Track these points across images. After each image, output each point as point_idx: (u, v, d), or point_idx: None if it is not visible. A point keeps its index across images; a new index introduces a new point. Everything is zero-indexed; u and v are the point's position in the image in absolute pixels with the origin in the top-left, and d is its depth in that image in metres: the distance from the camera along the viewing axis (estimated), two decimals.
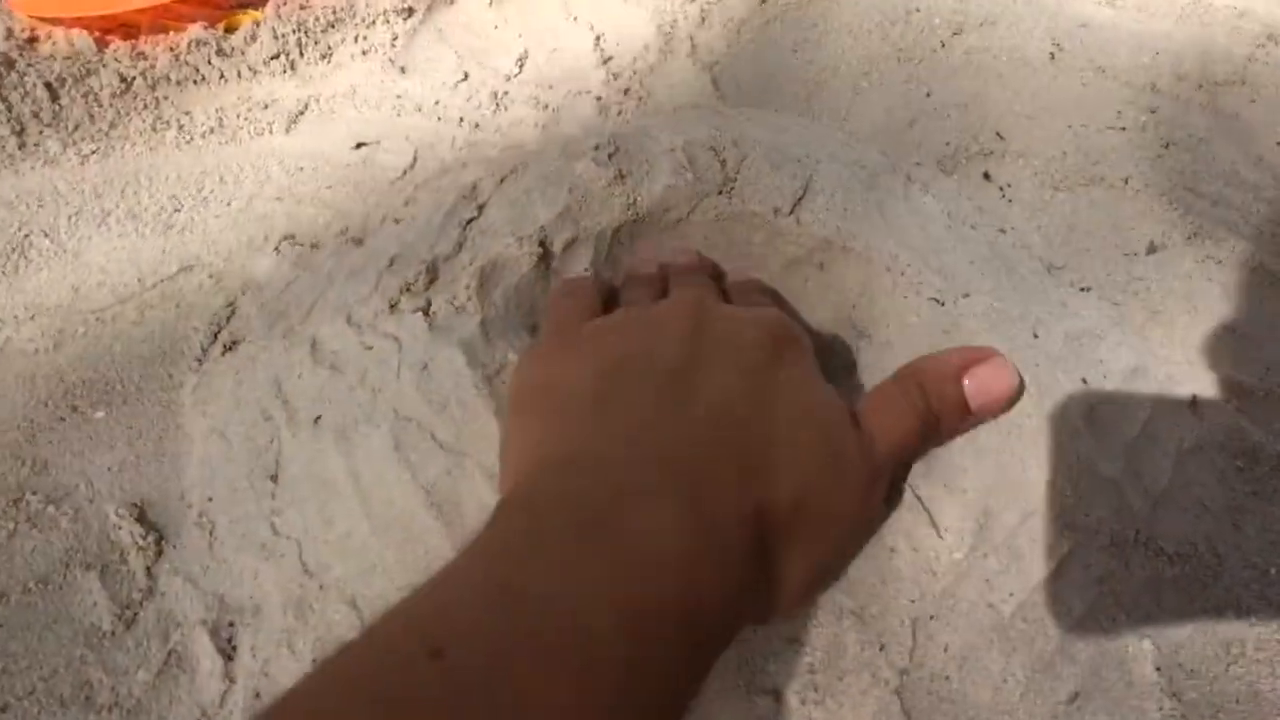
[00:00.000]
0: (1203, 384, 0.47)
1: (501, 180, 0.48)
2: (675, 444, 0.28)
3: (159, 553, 0.42)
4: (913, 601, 0.38)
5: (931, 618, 0.38)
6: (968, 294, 0.45)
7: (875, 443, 0.31)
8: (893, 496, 0.38)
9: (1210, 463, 0.45)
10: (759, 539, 0.27)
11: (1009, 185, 0.55)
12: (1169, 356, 0.48)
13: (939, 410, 0.32)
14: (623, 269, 0.42)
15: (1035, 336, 0.44)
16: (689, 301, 0.34)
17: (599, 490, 0.26)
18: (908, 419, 0.32)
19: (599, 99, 0.59)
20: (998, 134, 0.57)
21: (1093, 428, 0.43)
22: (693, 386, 0.30)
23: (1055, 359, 0.44)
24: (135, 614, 0.40)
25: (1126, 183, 0.55)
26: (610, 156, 0.47)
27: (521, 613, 0.22)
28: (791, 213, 0.47)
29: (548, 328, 0.37)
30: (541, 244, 0.44)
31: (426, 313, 0.43)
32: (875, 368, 0.43)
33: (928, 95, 0.59)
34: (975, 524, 0.39)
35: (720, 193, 0.47)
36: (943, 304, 0.44)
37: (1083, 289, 0.51)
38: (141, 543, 0.42)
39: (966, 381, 0.33)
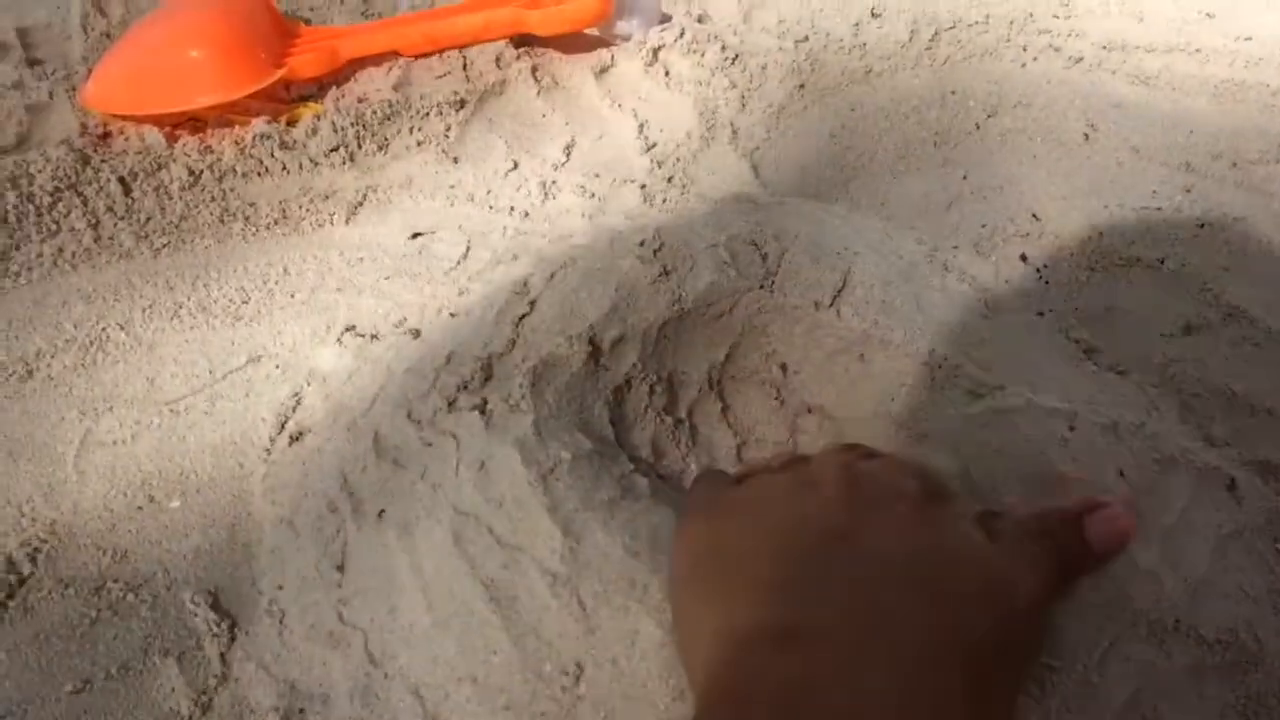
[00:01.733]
0: (1241, 468, 0.48)
1: (551, 276, 0.50)
2: (866, 612, 0.29)
3: (232, 639, 0.44)
4: None
5: None
6: (1003, 386, 0.46)
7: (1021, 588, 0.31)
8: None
9: (1250, 547, 0.46)
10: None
11: (1046, 266, 0.57)
12: (1207, 440, 0.49)
13: (1069, 558, 0.33)
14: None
15: (1071, 429, 0.45)
16: (837, 460, 0.35)
17: (822, 673, 0.27)
18: (1046, 567, 0.32)
19: (643, 186, 0.61)
20: (1034, 215, 0.59)
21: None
22: (860, 549, 0.31)
23: (1094, 451, 0.45)
24: (211, 700, 0.42)
25: (1163, 263, 0.56)
26: (655, 253, 0.49)
27: None
28: (831, 305, 0.48)
29: (694, 497, 0.38)
30: (591, 341, 0.47)
31: (483, 411, 0.45)
32: (911, 457, 0.44)
33: (964, 178, 0.61)
34: None
35: (762, 287, 0.49)
36: (980, 397, 0.45)
37: (1119, 371, 0.52)
38: (216, 629, 0.44)
39: (1089, 526, 0.34)
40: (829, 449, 0.38)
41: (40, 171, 0.59)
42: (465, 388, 0.46)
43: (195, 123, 0.66)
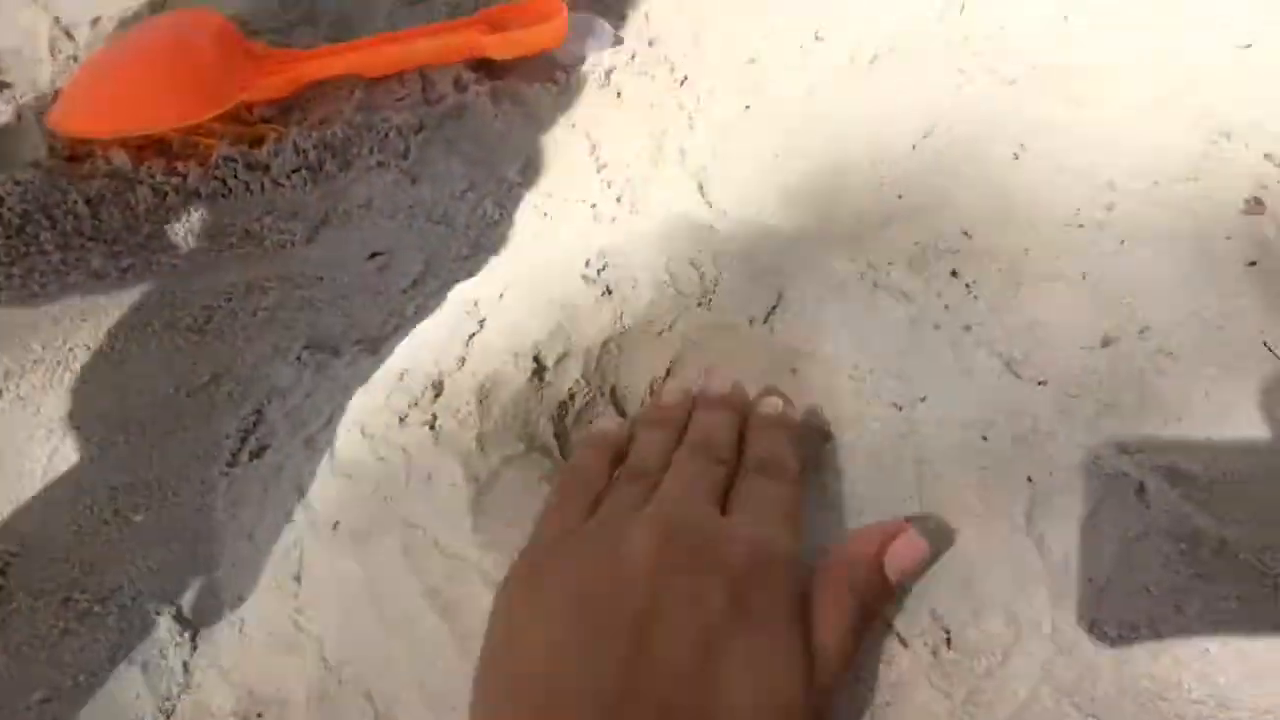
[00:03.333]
0: (1151, 473, 0.51)
1: (500, 295, 0.53)
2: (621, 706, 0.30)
3: (194, 648, 0.46)
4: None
5: (888, 704, 0.42)
6: (924, 398, 0.49)
7: (825, 662, 0.34)
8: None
9: (1156, 549, 0.49)
10: None
11: (975, 282, 0.59)
12: (1118, 447, 0.52)
13: (869, 600, 0.37)
14: (644, 410, 0.47)
15: (985, 439, 0.48)
16: (662, 526, 0.36)
17: None
18: (847, 624, 0.36)
19: (594, 206, 0.64)
20: (964, 233, 0.62)
21: (1036, 524, 0.47)
22: (649, 643, 0.32)
23: (1004, 459, 0.48)
24: (174, 706, 0.45)
25: (1084, 278, 0.59)
26: (599, 273, 0.52)
27: None
28: (765, 322, 0.51)
29: (538, 528, 0.40)
30: (536, 359, 0.49)
31: (432, 426, 0.48)
32: (837, 468, 0.47)
33: (899, 197, 0.64)
34: (927, 621, 0.43)
35: (700, 305, 0.52)
36: (900, 409, 0.48)
37: (1040, 383, 0.55)
38: (179, 639, 0.46)
39: (886, 561, 0.37)
40: (681, 484, 0.39)
41: (9, 194, 0.61)
42: (416, 404, 0.49)
43: (161, 144, 0.68)
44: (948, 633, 0.44)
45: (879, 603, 0.37)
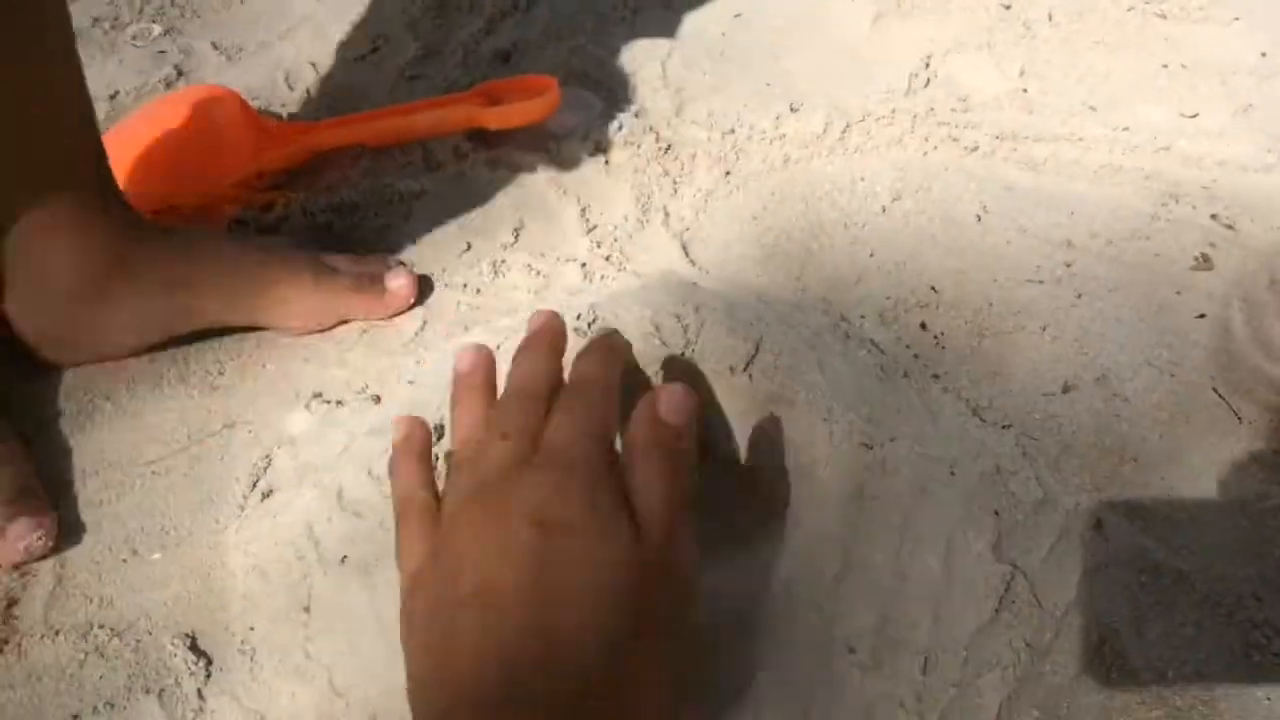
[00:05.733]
0: (1108, 509, 0.55)
1: (497, 347, 0.56)
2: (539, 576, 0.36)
3: (208, 676, 0.49)
4: None
5: None
6: (894, 438, 0.53)
7: (651, 523, 0.39)
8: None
9: (1116, 579, 0.52)
10: None
11: (942, 334, 0.64)
12: (1079, 486, 0.56)
13: (667, 453, 0.41)
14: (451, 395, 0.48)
15: (952, 474, 0.52)
16: (474, 491, 0.40)
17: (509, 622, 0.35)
18: (656, 481, 0.40)
19: (584, 265, 0.68)
20: (932, 288, 0.66)
21: (1002, 554, 0.50)
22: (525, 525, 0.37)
23: (970, 494, 0.51)
24: None
25: (1044, 330, 0.63)
26: (589, 325, 0.56)
27: None
28: (745, 370, 0.55)
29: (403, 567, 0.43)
30: None
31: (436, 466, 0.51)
32: (811, 501, 0.50)
33: (870, 255, 0.68)
34: (885, 645, 0.46)
35: (683, 354, 0.55)
36: (871, 448, 0.52)
37: (1004, 426, 0.58)
38: (193, 668, 0.49)
39: (665, 415, 0.42)
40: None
41: None
42: None
43: (176, 211, 0.72)
44: (924, 657, 0.47)
45: (676, 453, 0.41)
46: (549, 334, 0.48)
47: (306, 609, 0.50)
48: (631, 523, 0.38)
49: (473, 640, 0.35)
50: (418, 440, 0.48)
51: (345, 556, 0.50)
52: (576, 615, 0.35)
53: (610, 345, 0.48)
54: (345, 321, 0.65)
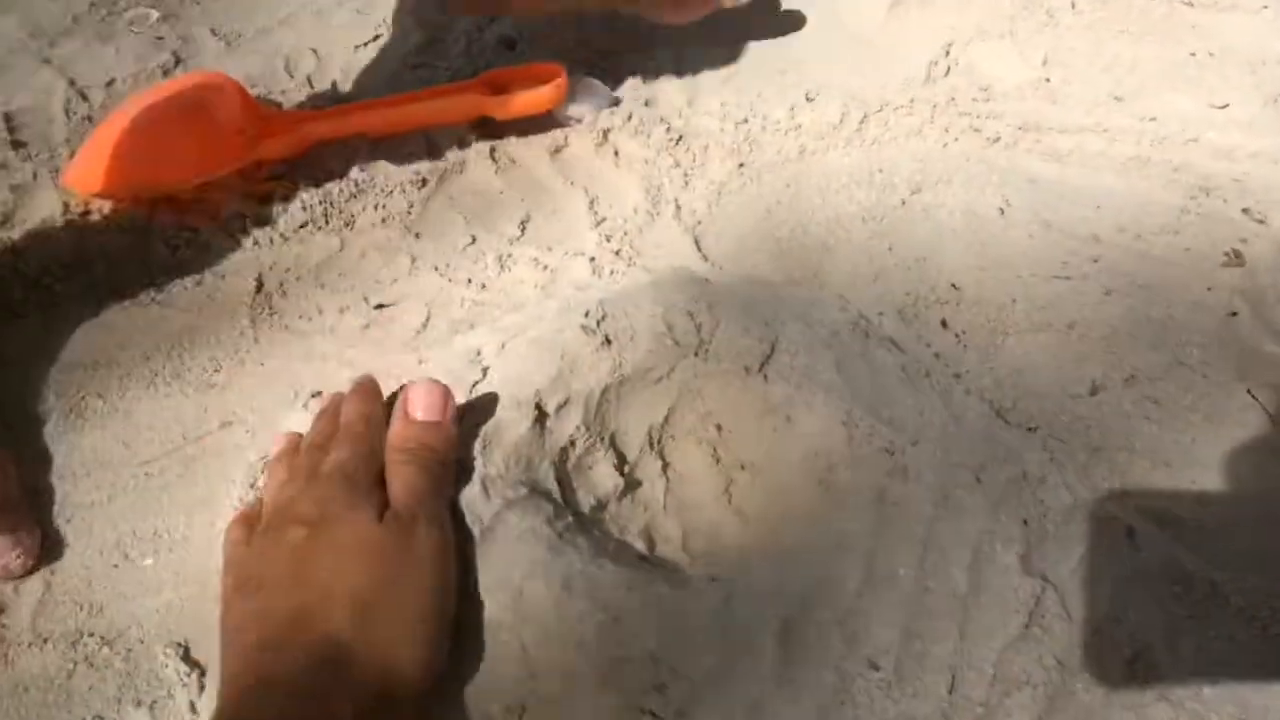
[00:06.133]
0: (1139, 517, 0.52)
1: (503, 345, 0.54)
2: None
3: (201, 689, 0.47)
4: None
5: None
6: (916, 442, 0.50)
7: (396, 508, 0.45)
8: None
9: (1148, 590, 0.50)
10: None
11: (964, 332, 0.61)
12: (1109, 492, 0.53)
13: (423, 449, 0.48)
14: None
15: (978, 480, 0.49)
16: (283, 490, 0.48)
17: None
18: (402, 473, 0.47)
19: (592, 259, 0.65)
20: (953, 285, 0.64)
21: (1031, 565, 0.48)
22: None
23: (996, 502, 0.49)
24: None
25: (1071, 328, 0.61)
26: (598, 324, 0.53)
27: None
28: (760, 371, 0.53)
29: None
30: (537, 406, 0.51)
31: None
32: (829, 509, 0.48)
33: (889, 250, 0.66)
34: (913, 660, 0.44)
35: (697, 354, 0.53)
36: (892, 453, 0.50)
37: (1030, 429, 0.56)
38: (185, 680, 0.47)
39: (412, 413, 0.49)
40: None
41: (27, 248, 0.63)
42: None
43: (173, 201, 0.70)
44: (950, 675, 0.45)
45: (420, 450, 0.48)
46: (334, 405, 0.53)
47: None
48: (379, 510, 0.45)
49: (246, 619, 0.44)
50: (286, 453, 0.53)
51: None
52: (322, 587, 0.43)
53: (369, 388, 0.53)
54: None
